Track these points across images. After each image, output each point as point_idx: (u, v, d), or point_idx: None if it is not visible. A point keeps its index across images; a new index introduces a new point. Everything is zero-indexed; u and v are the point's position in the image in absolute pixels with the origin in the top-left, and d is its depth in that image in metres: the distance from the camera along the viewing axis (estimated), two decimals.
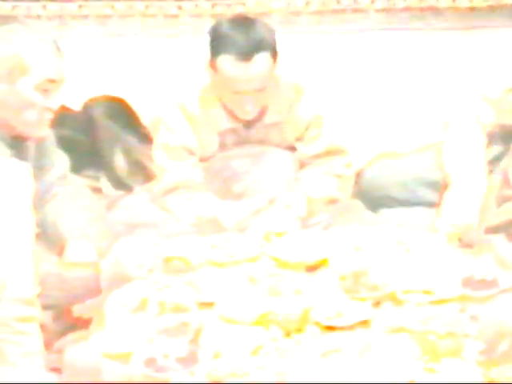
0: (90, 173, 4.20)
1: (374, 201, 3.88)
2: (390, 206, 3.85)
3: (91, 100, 4.46)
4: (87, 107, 4.45)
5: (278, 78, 3.71)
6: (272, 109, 3.74)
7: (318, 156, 3.82)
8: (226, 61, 3.57)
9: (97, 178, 4.24)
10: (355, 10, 4.85)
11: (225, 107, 3.70)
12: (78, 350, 2.87)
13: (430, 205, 3.72)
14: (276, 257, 3.18)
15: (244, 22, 3.65)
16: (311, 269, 3.11)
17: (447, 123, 3.79)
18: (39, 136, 3.33)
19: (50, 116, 3.31)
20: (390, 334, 2.70)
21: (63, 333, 3.21)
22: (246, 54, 3.55)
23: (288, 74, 3.78)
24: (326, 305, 2.84)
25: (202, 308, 2.91)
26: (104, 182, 4.27)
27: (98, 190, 4.13)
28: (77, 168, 3.80)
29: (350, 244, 3.26)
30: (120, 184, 4.27)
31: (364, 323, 2.74)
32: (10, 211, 2.83)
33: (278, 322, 2.77)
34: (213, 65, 3.63)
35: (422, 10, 4.83)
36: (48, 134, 3.44)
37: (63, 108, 4.12)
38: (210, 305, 2.93)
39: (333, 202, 3.82)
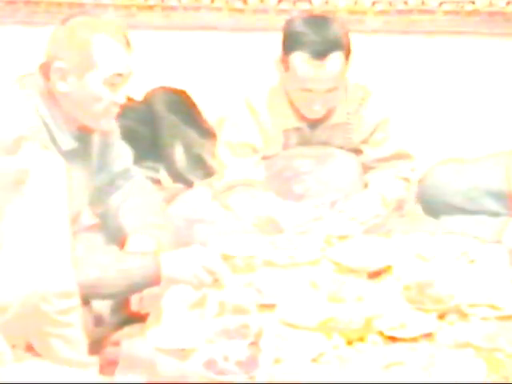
0: (150, 164, 4.19)
1: (435, 207, 3.81)
2: (450, 214, 3.76)
3: (152, 91, 4.43)
4: (148, 98, 4.42)
5: (347, 80, 3.64)
6: (339, 110, 3.68)
7: (384, 159, 3.76)
8: (300, 58, 3.53)
9: (156, 170, 4.22)
10: (422, 12, 4.77)
11: (292, 106, 3.65)
12: (133, 344, 2.86)
13: (494, 215, 3.64)
14: (337, 261, 3.15)
15: (319, 21, 3.62)
16: (373, 276, 3.08)
17: None
18: (105, 129, 3.30)
19: (116, 110, 3.28)
20: (455, 348, 2.64)
21: (120, 325, 3.20)
22: (321, 53, 3.51)
23: (355, 75, 3.72)
24: (389, 314, 2.80)
25: (262, 311, 2.89)
26: (163, 174, 4.24)
27: (157, 182, 4.11)
28: (137, 159, 3.77)
29: (413, 252, 3.23)
30: (179, 177, 4.27)
31: (428, 336, 2.69)
32: (46, 205, 2.83)
33: (339, 330, 2.73)
34: (285, 62, 3.58)
35: (490, 14, 4.75)
36: (113, 128, 3.41)
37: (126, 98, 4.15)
38: (270, 307, 2.90)
39: (401, 205, 3.75)
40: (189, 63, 4.56)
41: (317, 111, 3.62)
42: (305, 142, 3.70)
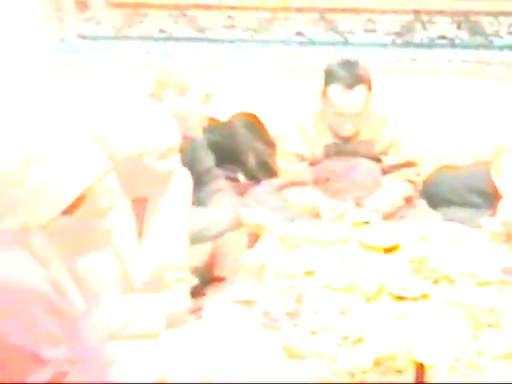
0: (230, 167, 4.18)
1: (435, 201, 3.78)
2: (446, 206, 3.73)
3: (233, 115, 4.43)
4: (230, 120, 4.43)
5: (370, 108, 3.63)
6: (364, 130, 3.67)
7: (396, 166, 3.74)
8: (335, 90, 3.53)
9: (235, 171, 4.23)
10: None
11: (330, 126, 3.64)
12: (215, 299, 2.87)
13: (477, 207, 3.62)
14: (361, 241, 3.13)
15: (349, 63, 3.60)
16: (387, 251, 3.05)
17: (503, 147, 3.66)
18: (193, 137, 3.30)
19: (205, 122, 3.31)
20: (445, 306, 2.63)
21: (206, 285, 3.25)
22: (350, 85, 3.51)
23: (377, 106, 3.72)
24: (398, 280, 2.78)
25: (305, 276, 2.88)
26: (240, 175, 4.25)
27: (234, 179, 4.12)
28: (220, 163, 3.79)
29: (416, 235, 3.19)
30: (251, 176, 4.26)
31: (425, 296, 2.69)
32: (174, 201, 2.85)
33: (361, 291, 2.73)
34: (324, 93, 3.58)
35: None
36: (200, 136, 3.41)
37: (212, 119, 4.16)
38: (311, 273, 2.89)
39: (410, 200, 3.75)
40: (259, 95, 4.53)
41: (347, 130, 3.61)
42: (340, 153, 3.68)
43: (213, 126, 4.13)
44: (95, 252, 2.16)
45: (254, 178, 4.23)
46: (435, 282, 2.79)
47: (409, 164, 3.78)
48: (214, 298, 2.92)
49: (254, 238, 3.37)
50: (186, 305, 2.76)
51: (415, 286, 2.74)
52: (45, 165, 2.01)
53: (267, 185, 3.92)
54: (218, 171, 3.66)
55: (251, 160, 4.33)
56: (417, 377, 1.71)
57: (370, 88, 3.58)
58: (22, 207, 2.00)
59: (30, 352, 1.99)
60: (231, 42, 4.61)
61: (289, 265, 2.96)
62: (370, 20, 4.44)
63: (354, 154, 3.67)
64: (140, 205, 2.70)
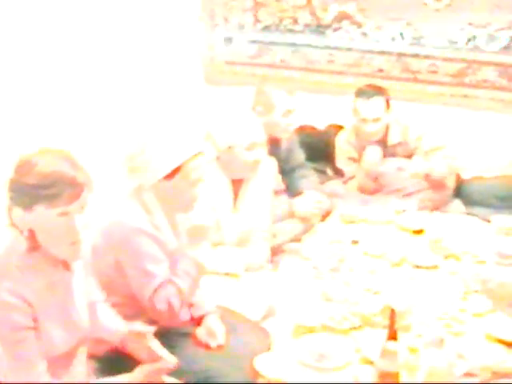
0: (322, 163, 4.08)
1: (470, 200, 3.59)
2: (474, 205, 3.55)
3: (328, 126, 4.34)
4: (326, 129, 4.32)
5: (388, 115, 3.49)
6: (390, 135, 3.52)
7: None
8: (360, 102, 3.42)
9: (324, 166, 4.13)
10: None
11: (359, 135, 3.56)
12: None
13: (496, 208, 3.38)
14: (400, 225, 3.03)
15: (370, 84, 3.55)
16: (415, 233, 2.96)
17: None
18: (280, 138, 3.27)
19: (290, 130, 3.30)
20: (449, 275, 2.55)
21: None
22: (369, 96, 3.40)
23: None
24: (418, 254, 2.71)
25: (352, 244, 2.83)
26: (328, 170, 4.16)
27: (323, 172, 3.99)
28: (314, 160, 3.76)
29: (441, 222, 3.06)
30: (336, 171, 4.14)
31: (435, 267, 2.61)
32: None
33: (389, 259, 2.67)
34: (355, 109, 3.47)
35: None
36: (291, 138, 3.38)
37: (312, 127, 4.13)
38: (356, 243, 2.85)
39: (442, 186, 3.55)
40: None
41: (370, 134, 3.46)
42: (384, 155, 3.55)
43: (312, 132, 4.13)
44: (183, 212, 2.21)
45: (338, 173, 4.17)
46: (445, 257, 2.69)
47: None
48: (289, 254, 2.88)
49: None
50: (264, 257, 2.78)
51: (429, 259, 2.66)
52: (159, 146, 2.12)
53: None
54: (308, 164, 3.63)
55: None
56: (390, 319, 1.66)
57: (387, 101, 3.44)
58: (140, 173, 2.10)
59: (141, 269, 2.09)
60: None
61: (341, 234, 2.92)
62: None
63: (393, 154, 3.53)
64: (238, 184, 2.74)
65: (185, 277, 2.12)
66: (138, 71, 3.80)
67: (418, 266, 2.62)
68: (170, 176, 2.11)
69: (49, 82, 3.12)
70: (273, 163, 2.97)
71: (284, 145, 3.35)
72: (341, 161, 3.72)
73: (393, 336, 1.65)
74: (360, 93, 3.46)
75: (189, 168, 2.11)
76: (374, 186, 3.51)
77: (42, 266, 1.71)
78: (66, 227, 1.65)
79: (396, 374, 1.63)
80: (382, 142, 3.52)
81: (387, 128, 3.51)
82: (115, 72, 3.59)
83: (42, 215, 1.63)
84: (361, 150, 3.56)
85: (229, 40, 4.36)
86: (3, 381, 1.68)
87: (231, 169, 2.64)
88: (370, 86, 3.52)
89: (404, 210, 3.17)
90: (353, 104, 3.49)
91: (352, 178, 3.62)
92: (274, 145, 3.14)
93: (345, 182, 3.66)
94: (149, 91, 3.82)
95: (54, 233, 1.65)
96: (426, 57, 3.99)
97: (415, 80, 4.05)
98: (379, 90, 3.45)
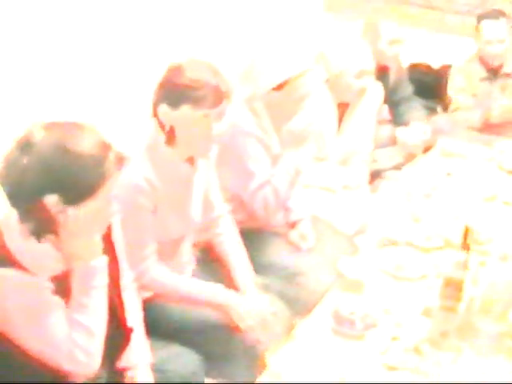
0: (431, 100, 4.02)
1: None
2: None
3: (444, 65, 4.27)
4: (440, 68, 4.25)
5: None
6: (506, 66, 3.47)
7: None
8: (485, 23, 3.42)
9: (434, 103, 4.07)
10: None
11: (481, 59, 3.50)
12: None
13: None
14: (500, 164, 3.00)
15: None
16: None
17: None
18: (393, 68, 3.31)
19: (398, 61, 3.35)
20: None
21: None
22: (495, 17, 3.39)
23: None
24: None
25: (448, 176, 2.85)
26: (439, 107, 4.10)
27: (433, 110, 3.89)
28: (422, 95, 3.73)
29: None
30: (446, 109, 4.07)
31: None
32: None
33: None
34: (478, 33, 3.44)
35: None
36: (400, 70, 3.41)
37: (427, 65, 4.10)
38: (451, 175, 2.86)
39: None
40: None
41: (495, 56, 3.45)
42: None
43: (425, 70, 4.10)
44: (287, 120, 2.34)
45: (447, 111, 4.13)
46: None
47: None
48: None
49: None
50: (362, 178, 2.86)
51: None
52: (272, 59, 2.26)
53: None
54: (417, 98, 3.63)
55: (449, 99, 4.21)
56: (465, 232, 1.77)
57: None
58: (253, 82, 2.28)
59: (244, 168, 2.26)
60: None
61: (439, 167, 2.94)
62: None
63: (503, 88, 3.48)
64: (344, 108, 2.82)
65: (284, 179, 2.27)
66: None
67: (507, 203, 2.64)
68: (279, 88, 2.24)
69: None
70: (380, 91, 3.03)
71: (392, 76, 3.39)
72: (452, 91, 3.69)
73: (465, 247, 1.76)
74: (485, 15, 3.48)
75: (297, 83, 2.23)
76: (485, 123, 3.49)
77: (173, 158, 1.92)
78: (204, 129, 1.84)
79: (460, 282, 1.74)
80: (495, 71, 3.51)
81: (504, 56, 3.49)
82: None
83: (186, 114, 1.82)
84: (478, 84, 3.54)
85: None
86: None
87: (339, 93, 2.73)
88: (494, 9, 3.53)
89: (505, 151, 3.13)
90: (476, 29, 3.48)
91: (457, 109, 3.60)
92: (382, 74, 3.17)
93: (452, 111, 3.64)
94: (270, 11, 3.92)
95: (192, 131, 1.85)
96: None
97: None
98: (503, 13, 3.45)
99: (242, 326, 1.92)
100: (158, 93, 1.87)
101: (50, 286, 1.46)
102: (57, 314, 1.47)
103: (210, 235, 2.18)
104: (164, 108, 1.85)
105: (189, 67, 1.84)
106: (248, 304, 1.95)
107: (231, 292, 2.00)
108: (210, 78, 1.82)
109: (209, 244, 2.19)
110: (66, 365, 1.48)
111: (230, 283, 2.05)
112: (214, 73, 1.84)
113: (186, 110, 1.83)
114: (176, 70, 1.85)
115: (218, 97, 1.82)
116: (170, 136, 1.88)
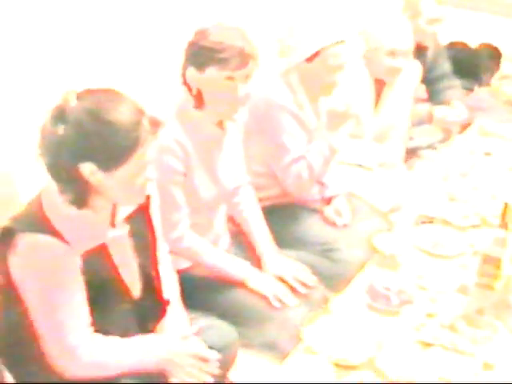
0: (469, 80, 3.97)
1: None
2: None
3: (481, 44, 4.19)
4: (477, 48, 4.19)
5: None
6: None
7: None
8: None
9: (473, 83, 4.01)
10: None
11: None
12: None
13: None
14: None
15: None
16: None
17: None
18: (431, 47, 3.23)
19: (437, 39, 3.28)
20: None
21: None
22: None
23: None
24: None
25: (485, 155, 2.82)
26: (476, 87, 4.04)
27: (470, 89, 3.86)
28: (460, 75, 3.61)
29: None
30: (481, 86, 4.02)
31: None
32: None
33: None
34: None
35: None
36: (438, 48, 3.34)
37: (464, 43, 4.03)
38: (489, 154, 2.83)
39: None
40: None
41: None
42: None
43: (463, 49, 4.03)
44: (323, 95, 2.33)
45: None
46: None
47: None
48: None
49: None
50: (398, 156, 2.85)
51: None
52: (306, 30, 2.23)
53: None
54: (454, 77, 3.53)
55: (487, 78, 4.14)
56: (504, 210, 1.75)
57: None
58: (288, 55, 2.27)
59: (279, 142, 2.25)
60: None
61: (477, 146, 2.90)
62: None
63: None
64: (381, 84, 2.78)
65: (318, 156, 2.25)
66: None
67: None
68: (311, 59, 2.22)
69: None
70: (418, 69, 2.98)
71: (430, 54, 3.32)
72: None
73: (504, 225, 1.74)
74: None
75: (328, 53, 2.20)
76: None
77: (202, 121, 1.94)
78: (230, 91, 1.85)
79: (498, 260, 1.72)
80: None
81: None
82: None
83: (212, 76, 1.83)
84: None
85: None
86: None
87: (375, 69, 2.69)
88: None
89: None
90: None
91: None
92: (420, 52, 3.10)
93: (488, 85, 3.57)
94: None
95: (218, 94, 1.86)
96: None
97: None
98: None
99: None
100: (186, 56, 1.89)
101: (80, 262, 1.45)
102: (76, 298, 1.44)
103: (230, 204, 2.17)
104: (191, 71, 1.87)
105: (214, 30, 1.85)
106: (267, 283, 1.96)
107: (254, 270, 2.00)
108: (235, 41, 1.82)
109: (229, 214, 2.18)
110: (55, 357, 1.45)
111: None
112: (240, 36, 1.85)
113: (211, 72, 1.84)
114: (202, 34, 1.86)
115: (244, 59, 1.83)
116: (198, 99, 1.90)
